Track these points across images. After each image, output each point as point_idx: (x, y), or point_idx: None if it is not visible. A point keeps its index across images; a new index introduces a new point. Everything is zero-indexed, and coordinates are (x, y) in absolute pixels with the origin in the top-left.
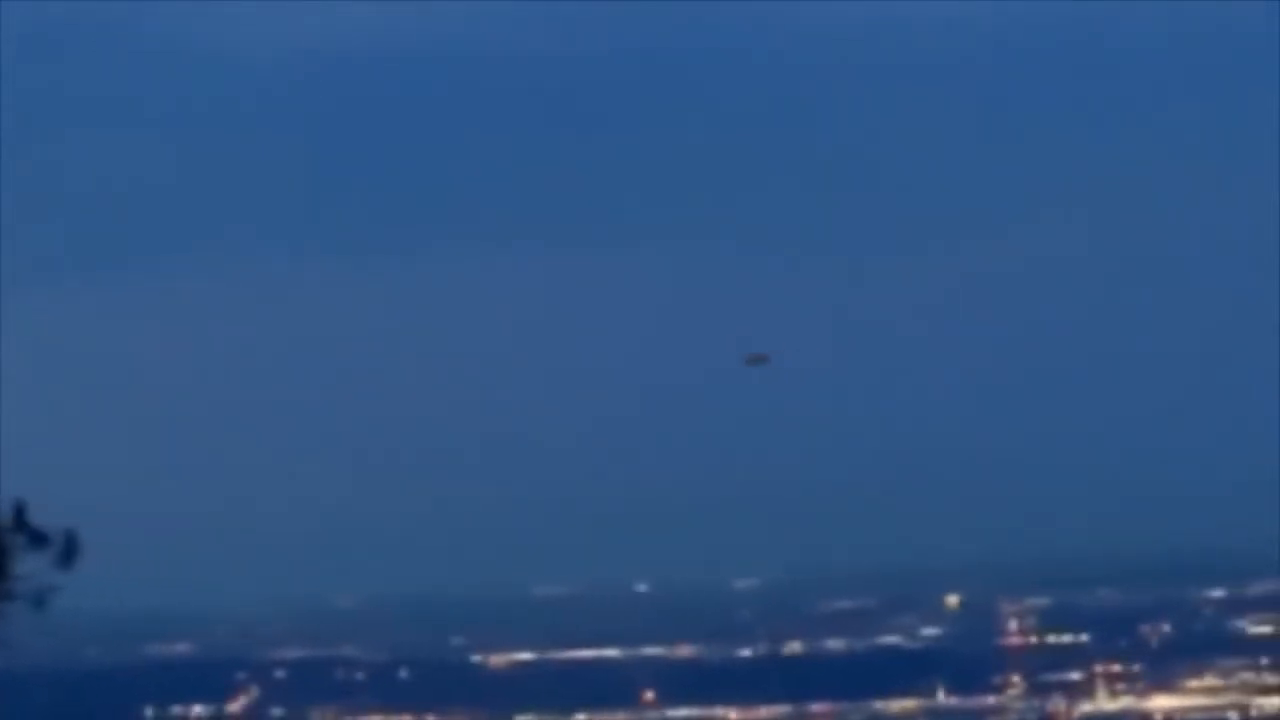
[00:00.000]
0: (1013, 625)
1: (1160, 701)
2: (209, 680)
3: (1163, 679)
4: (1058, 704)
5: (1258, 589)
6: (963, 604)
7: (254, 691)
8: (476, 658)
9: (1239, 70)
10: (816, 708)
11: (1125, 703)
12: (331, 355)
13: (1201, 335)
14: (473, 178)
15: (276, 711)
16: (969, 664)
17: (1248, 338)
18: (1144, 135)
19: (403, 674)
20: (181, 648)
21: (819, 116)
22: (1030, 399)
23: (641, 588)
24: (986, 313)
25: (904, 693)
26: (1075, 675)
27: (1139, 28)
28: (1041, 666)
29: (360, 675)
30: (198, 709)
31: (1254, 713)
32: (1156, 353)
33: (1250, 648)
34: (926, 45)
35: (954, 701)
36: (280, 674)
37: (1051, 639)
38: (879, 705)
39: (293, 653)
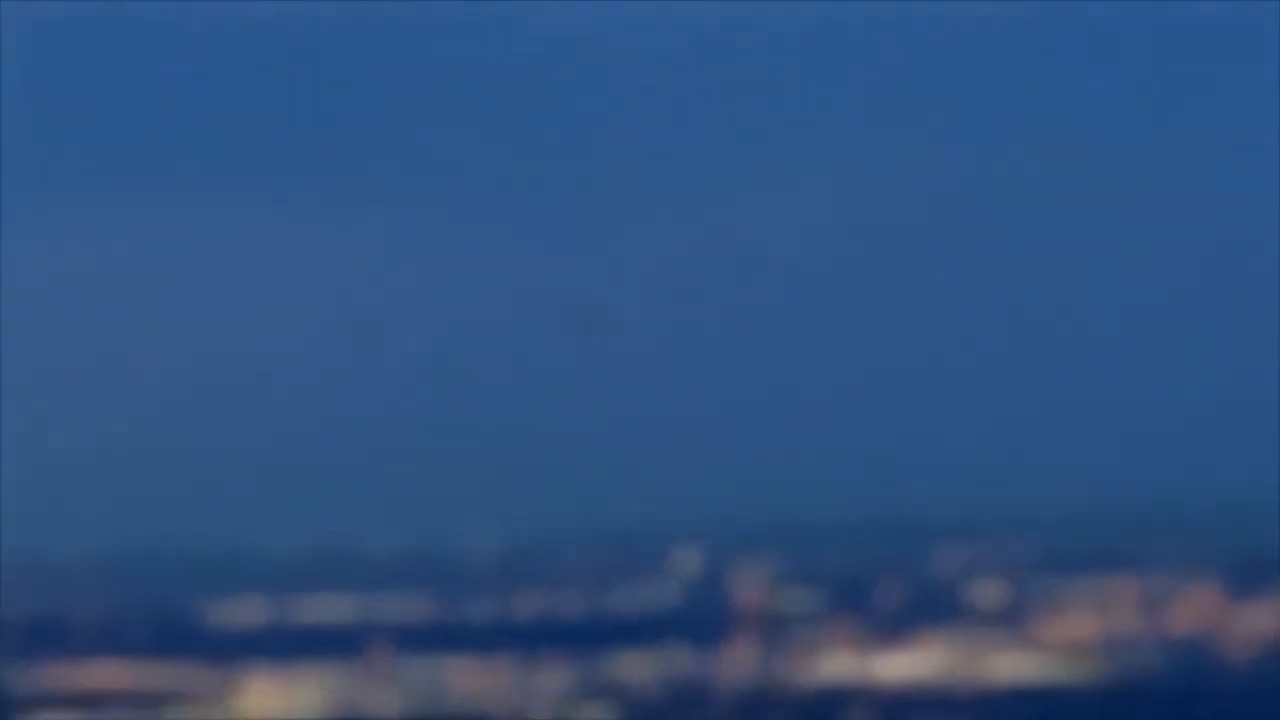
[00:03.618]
0: (745, 585)
1: (890, 664)
2: None
3: (892, 641)
4: (788, 664)
5: (987, 550)
6: (695, 563)
7: None
8: (205, 610)
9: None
10: (547, 664)
11: (855, 664)
12: (90, 298)
13: (925, 303)
14: (216, 127)
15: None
16: (701, 623)
17: (973, 302)
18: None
19: (129, 625)
20: None
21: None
22: (766, 359)
23: (375, 542)
24: (719, 273)
25: (635, 650)
26: (806, 636)
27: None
28: (773, 627)
29: (86, 626)
30: None
31: (983, 675)
32: (884, 318)
33: (980, 610)
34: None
35: (685, 660)
36: (6, 626)
37: (784, 599)
38: (609, 663)
39: (18, 604)
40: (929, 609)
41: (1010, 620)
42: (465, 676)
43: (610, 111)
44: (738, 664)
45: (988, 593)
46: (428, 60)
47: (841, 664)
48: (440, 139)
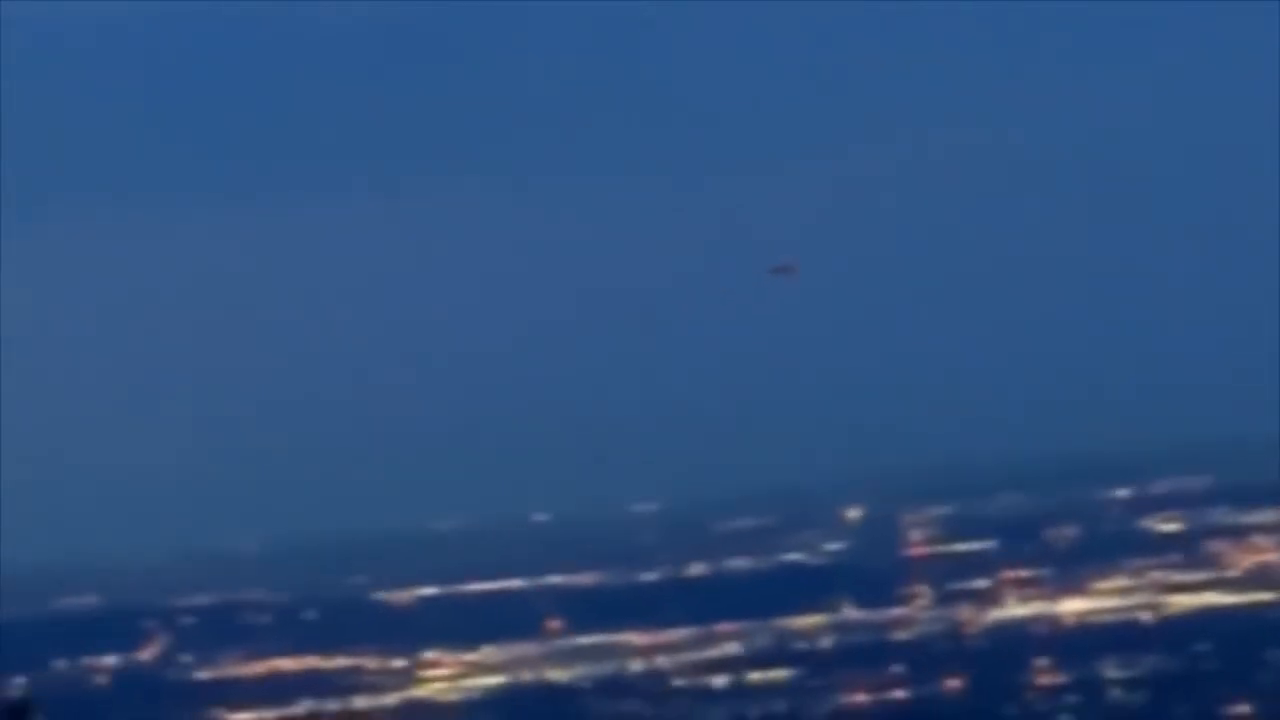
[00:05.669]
0: (915, 536)
1: (1070, 605)
2: (118, 630)
3: (1071, 582)
4: (966, 612)
5: (1162, 487)
6: (864, 517)
7: (163, 639)
8: (380, 595)
9: None
10: (722, 628)
11: (1035, 608)
12: (214, 300)
13: (1084, 241)
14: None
15: (186, 658)
16: (873, 577)
17: (1129, 242)
18: None
19: (308, 615)
20: (89, 599)
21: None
22: (919, 308)
23: (540, 517)
24: (864, 222)
25: (809, 609)
26: (982, 583)
27: None
28: (947, 576)
29: (266, 618)
30: (109, 659)
31: (1166, 611)
32: (1041, 257)
33: (1158, 546)
34: None
35: (860, 615)
36: (188, 620)
37: (956, 548)
38: (784, 623)
39: (198, 599)
40: (1106, 548)
41: (1189, 553)
42: (640, 645)
43: (731, 67)
44: (914, 615)
45: (1164, 528)
46: (561, 43)
47: (1019, 610)
48: (583, 106)
